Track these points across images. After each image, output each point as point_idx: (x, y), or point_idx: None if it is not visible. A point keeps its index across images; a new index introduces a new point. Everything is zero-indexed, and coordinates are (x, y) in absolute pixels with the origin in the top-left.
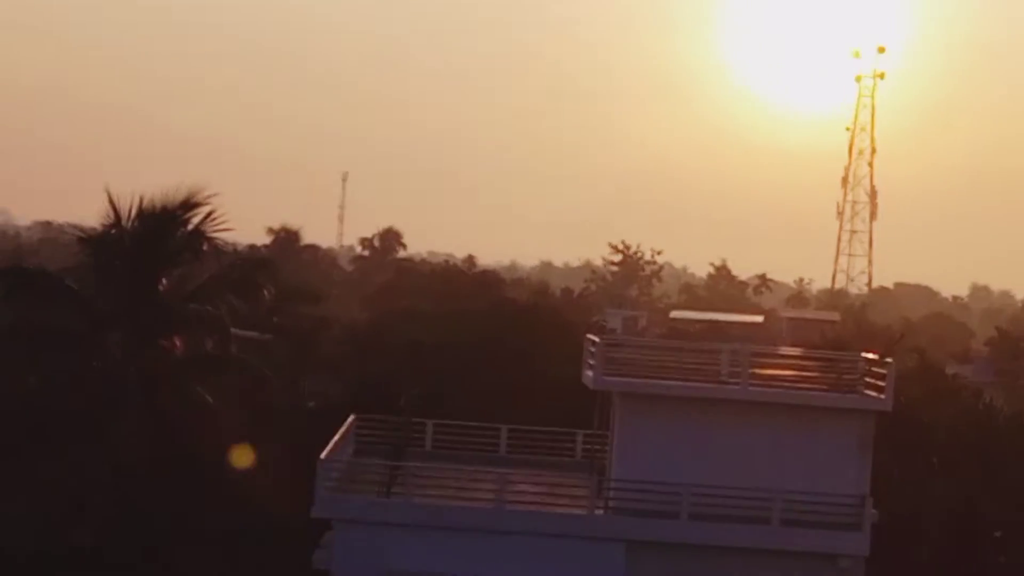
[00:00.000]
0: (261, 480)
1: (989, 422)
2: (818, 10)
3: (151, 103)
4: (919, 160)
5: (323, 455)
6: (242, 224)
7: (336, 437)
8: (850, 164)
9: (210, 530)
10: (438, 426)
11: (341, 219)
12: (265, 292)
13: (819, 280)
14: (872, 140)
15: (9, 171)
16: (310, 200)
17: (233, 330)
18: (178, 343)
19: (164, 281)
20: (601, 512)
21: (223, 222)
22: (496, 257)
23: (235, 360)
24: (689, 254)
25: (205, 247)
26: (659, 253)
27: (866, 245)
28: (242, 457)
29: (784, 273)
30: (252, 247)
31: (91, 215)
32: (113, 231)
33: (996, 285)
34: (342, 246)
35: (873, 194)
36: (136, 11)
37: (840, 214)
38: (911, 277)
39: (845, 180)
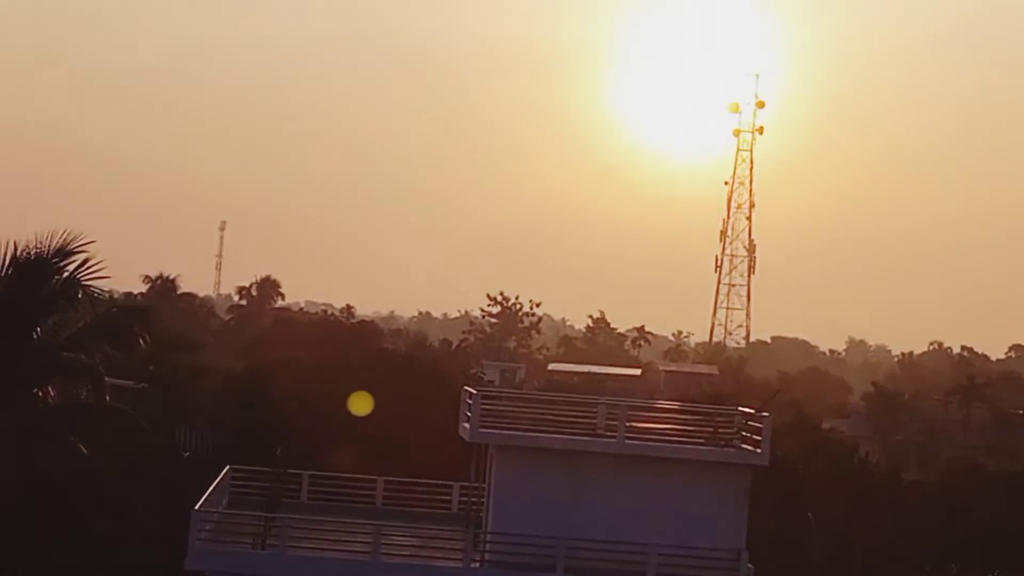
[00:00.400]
0: (134, 531)
1: (864, 477)
2: (702, 63)
3: (27, 150)
4: (796, 214)
5: (197, 506)
6: (118, 272)
7: (211, 488)
8: (728, 218)
9: None
10: (314, 478)
11: (219, 268)
12: (141, 341)
13: (697, 333)
14: (751, 194)
15: None
16: (187, 248)
17: (108, 379)
18: (52, 392)
19: (39, 330)
20: (477, 565)
21: (99, 270)
22: (374, 308)
23: (109, 409)
24: (568, 306)
25: (80, 295)
26: (538, 305)
27: (744, 299)
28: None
29: (662, 326)
30: (128, 295)
31: None
32: None
33: (872, 339)
34: (219, 295)
35: (751, 248)
36: (5, 61)
37: (719, 267)
38: (789, 331)
39: (724, 234)
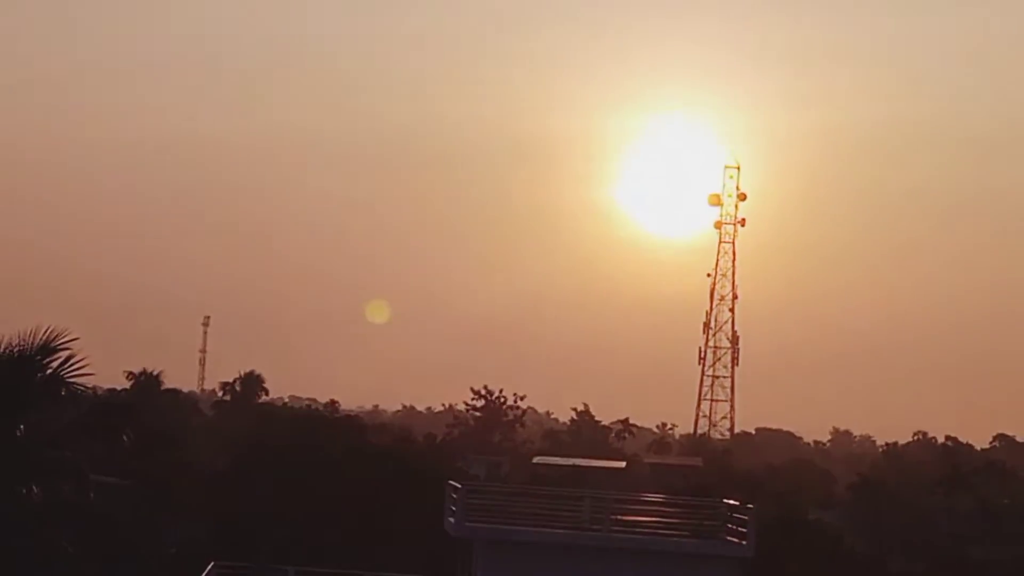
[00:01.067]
0: None
1: (851, 567)
2: (682, 157)
3: (5, 245)
4: (779, 305)
5: None
6: (101, 368)
7: None
8: (711, 310)
9: None
10: (299, 572)
11: (202, 363)
12: (124, 437)
13: (682, 425)
14: (733, 286)
15: None
16: (170, 344)
17: (92, 476)
18: (36, 489)
19: (22, 427)
20: None
21: (82, 366)
22: (359, 402)
23: (94, 506)
24: (552, 399)
25: (63, 392)
26: (522, 398)
27: (728, 390)
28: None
29: (647, 418)
30: (112, 391)
31: None
32: None
33: (857, 430)
34: (203, 390)
35: (735, 340)
36: None
37: (702, 359)
38: (773, 422)
39: (707, 325)
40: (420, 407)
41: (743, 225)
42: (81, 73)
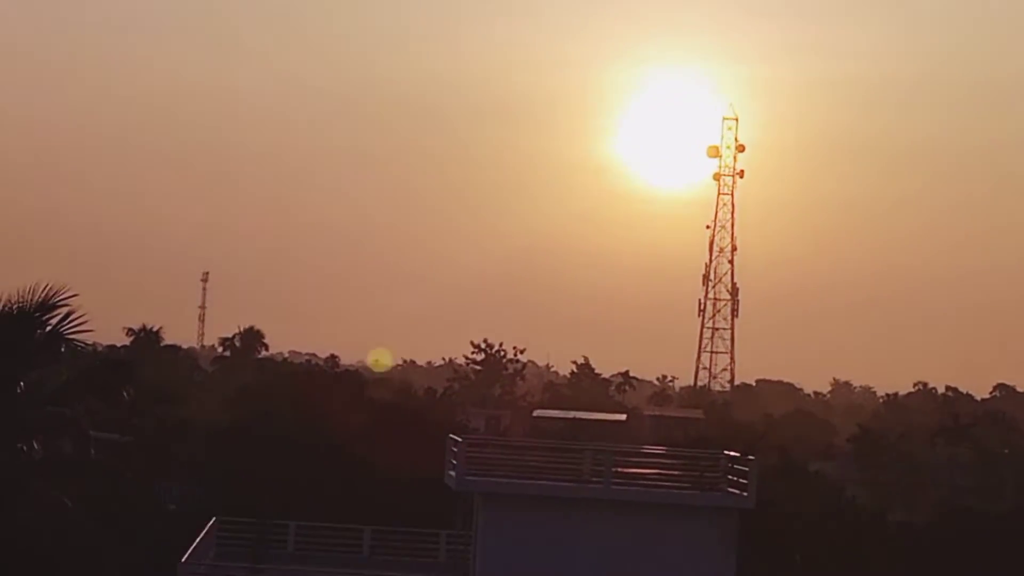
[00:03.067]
0: None
1: (851, 518)
2: (681, 109)
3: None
4: (779, 257)
5: (184, 559)
6: (101, 325)
7: (197, 540)
8: (711, 262)
9: None
10: (300, 528)
11: (202, 319)
12: (124, 394)
13: (682, 378)
14: (732, 238)
15: None
16: (170, 300)
17: (92, 432)
18: (36, 446)
19: (22, 384)
20: None
21: (81, 323)
22: (358, 356)
23: (94, 463)
24: (552, 352)
25: (63, 349)
26: (522, 351)
27: (728, 342)
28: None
29: (647, 371)
30: (111, 348)
31: None
32: None
33: (857, 381)
34: (203, 346)
35: (734, 291)
36: None
37: (702, 312)
38: (773, 374)
39: (706, 278)
40: (420, 361)
41: (742, 177)
42: (78, 28)
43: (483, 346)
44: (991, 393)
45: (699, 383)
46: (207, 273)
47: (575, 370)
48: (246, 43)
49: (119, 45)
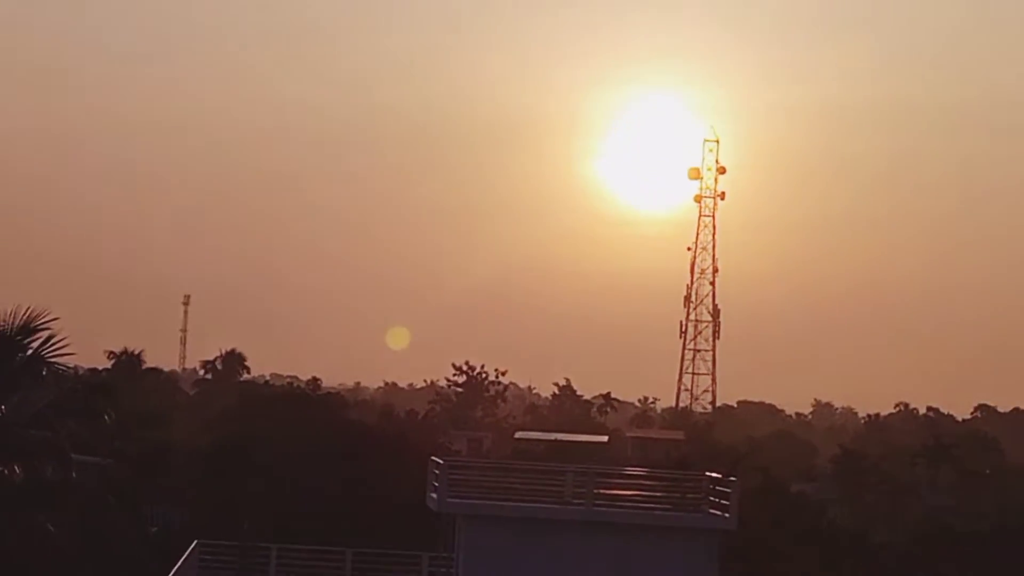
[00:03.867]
0: None
1: (833, 539)
2: (663, 131)
3: None
4: (760, 278)
5: None
6: (82, 348)
7: (179, 564)
8: (692, 283)
9: None
10: (282, 551)
11: (183, 342)
12: (106, 417)
13: (663, 399)
14: (714, 259)
15: None
16: (151, 323)
17: (73, 456)
18: (17, 470)
19: (3, 407)
20: None
21: (63, 346)
22: (340, 379)
23: (76, 486)
24: (534, 374)
25: (44, 372)
26: (504, 373)
27: (710, 364)
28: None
29: (628, 392)
30: (93, 371)
31: None
32: None
33: (839, 402)
34: (184, 369)
35: (716, 313)
36: None
37: (683, 333)
38: (755, 395)
39: (688, 299)
40: (402, 383)
41: (723, 198)
42: (55, 53)
43: (465, 368)
44: (972, 414)
45: (681, 404)
46: (188, 296)
47: (557, 392)
48: (230, 64)
49: (100, 68)
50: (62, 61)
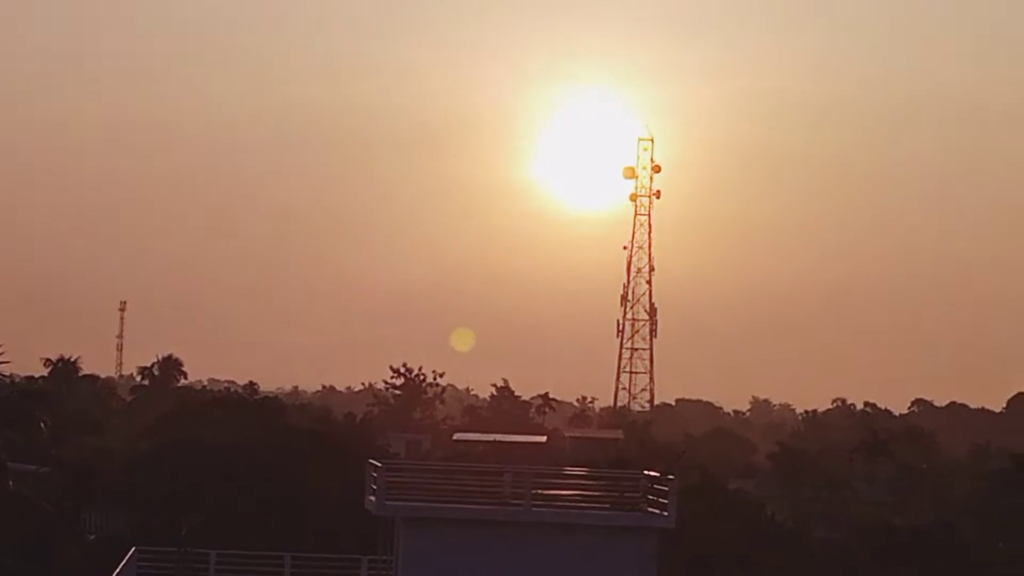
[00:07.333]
0: None
1: (772, 536)
2: (597, 131)
3: None
4: (696, 277)
5: None
6: (17, 357)
7: (117, 570)
8: (629, 282)
9: None
10: (221, 556)
11: (120, 348)
12: (42, 424)
13: (602, 398)
14: (650, 258)
15: None
16: (87, 330)
17: (10, 464)
18: None
19: None
20: None
21: None
22: (278, 383)
23: (12, 494)
24: (472, 375)
25: None
26: (441, 375)
27: (647, 362)
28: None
29: (566, 392)
30: (29, 379)
31: None
32: None
33: (776, 398)
34: (121, 376)
35: (652, 311)
36: None
37: (620, 332)
38: (693, 393)
39: (624, 298)
40: (340, 387)
41: (658, 197)
42: None
43: (402, 370)
44: (909, 408)
45: (619, 403)
46: (124, 302)
47: (495, 393)
48: (163, 70)
49: (34, 75)
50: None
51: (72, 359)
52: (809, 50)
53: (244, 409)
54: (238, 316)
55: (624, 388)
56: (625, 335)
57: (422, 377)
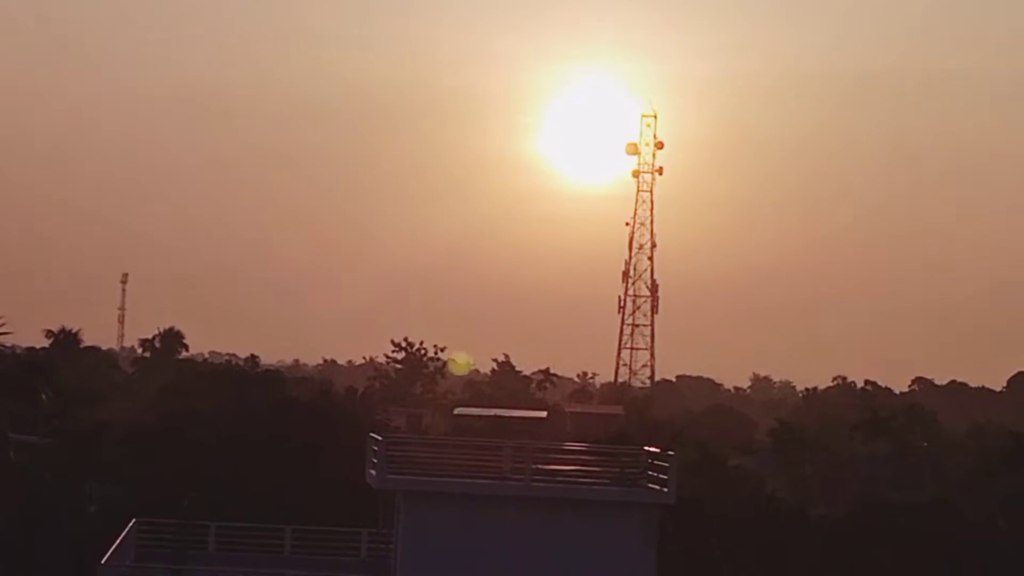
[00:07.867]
0: None
1: (771, 513)
2: (601, 107)
3: None
4: (698, 253)
5: (104, 560)
6: (19, 327)
7: (117, 542)
8: (631, 259)
9: None
10: (221, 528)
11: (121, 320)
12: (44, 396)
13: (602, 374)
14: (652, 235)
15: None
16: (89, 302)
17: (11, 435)
18: None
19: None
20: None
21: (0, 325)
22: (279, 356)
23: (13, 465)
24: (473, 350)
25: None
26: (443, 349)
27: (648, 338)
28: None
29: (567, 368)
30: (30, 350)
31: None
32: None
33: (777, 376)
34: (123, 347)
35: (654, 288)
36: None
37: (622, 308)
38: (693, 370)
39: (626, 274)
40: (341, 360)
41: (661, 173)
42: None
43: (404, 345)
44: (910, 387)
45: (619, 379)
46: (126, 274)
47: (496, 367)
48: (162, 46)
49: (33, 48)
50: None
51: (74, 331)
52: (818, 29)
53: (245, 382)
54: (240, 289)
55: (625, 364)
56: (626, 311)
57: (423, 351)
